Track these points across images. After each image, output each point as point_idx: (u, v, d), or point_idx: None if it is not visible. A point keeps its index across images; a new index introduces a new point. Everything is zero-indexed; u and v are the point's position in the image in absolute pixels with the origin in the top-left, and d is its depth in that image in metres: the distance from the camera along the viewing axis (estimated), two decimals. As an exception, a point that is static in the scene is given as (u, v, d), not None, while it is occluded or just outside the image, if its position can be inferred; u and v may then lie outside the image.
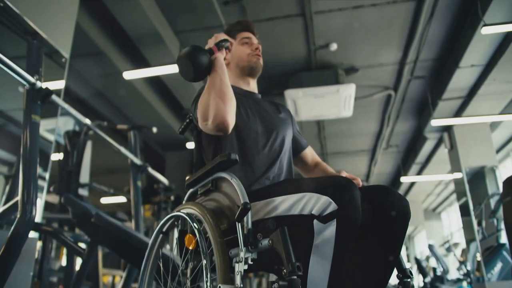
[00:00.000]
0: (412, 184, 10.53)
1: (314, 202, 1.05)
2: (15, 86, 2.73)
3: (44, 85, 1.98)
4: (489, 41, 4.54)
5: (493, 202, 5.83)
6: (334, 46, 5.02)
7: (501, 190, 2.50)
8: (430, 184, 10.34)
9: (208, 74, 1.38)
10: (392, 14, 4.53)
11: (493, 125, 6.88)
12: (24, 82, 1.92)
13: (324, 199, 1.03)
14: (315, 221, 1.04)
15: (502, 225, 5.06)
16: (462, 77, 5.27)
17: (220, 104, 1.28)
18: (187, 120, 1.56)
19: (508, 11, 4.05)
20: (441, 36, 4.93)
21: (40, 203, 2.94)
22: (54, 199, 3.72)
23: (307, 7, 4.35)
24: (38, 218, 2.19)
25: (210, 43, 1.46)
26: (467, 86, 5.58)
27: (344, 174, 1.36)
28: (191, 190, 1.43)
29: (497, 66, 4.79)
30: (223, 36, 1.50)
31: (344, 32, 4.83)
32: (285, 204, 1.12)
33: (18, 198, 1.79)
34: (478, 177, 6.57)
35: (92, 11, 4.35)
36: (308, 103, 5.43)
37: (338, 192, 1.03)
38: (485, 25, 3.83)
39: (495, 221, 5.44)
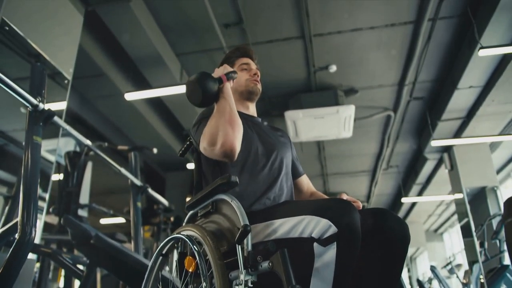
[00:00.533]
0: (413, 204, 10.47)
1: (314, 225, 1.05)
2: (17, 106, 2.75)
3: (46, 106, 1.99)
4: (487, 62, 4.59)
5: (495, 223, 5.79)
6: (333, 68, 5.08)
7: (502, 210, 2.49)
8: (431, 204, 10.28)
9: (214, 101, 1.40)
10: (391, 37, 4.60)
11: (493, 146, 6.89)
12: (27, 104, 1.93)
13: (324, 222, 1.03)
14: (315, 244, 1.04)
15: (505, 246, 5.01)
16: (461, 98, 5.31)
17: (229, 131, 1.28)
18: (188, 142, 1.57)
19: (504, 33, 4.11)
20: (439, 58, 5.00)
21: (39, 224, 2.93)
22: (53, 220, 3.70)
23: (307, 30, 4.42)
24: (37, 240, 2.18)
25: (218, 72, 1.47)
26: (466, 107, 5.62)
27: (344, 197, 1.36)
28: (191, 212, 1.43)
29: (495, 87, 4.84)
30: (230, 68, 1.50)
31: (343, 54, 4.90)
32: (285, 226, 1.12)
33: (18, 219, 1.78)
34: (479, 197, 6.55)
35: (95, 33, 4.42)
36: (308, 124, 5.46)
37: (337, 215, 1.04)
38: (482, 47, 3.88)
39: (497, 242, 5.39)
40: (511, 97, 5.11)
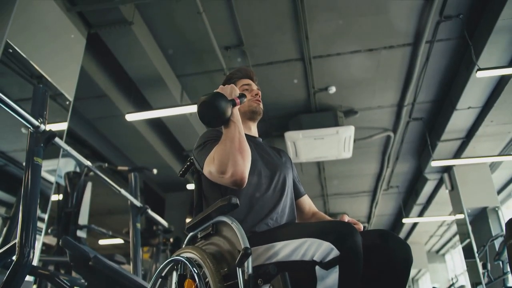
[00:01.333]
0: (414, 225, 10.40)
1: (316, 248, 1.04)
2: (18, 127, 2.77)
3: (47, 127, 2.00)
4: (485, 84, 4.64)
5: (497, 243, 5.73)
6: (333, 89, 5.12)
7: (504, 231, 2.47)
8: (432, 225, 10.21)
9: (224, 123, 1.37)
10: (389, 58, 4.66)
11: (493, 166, 6.89)
12: (28, 125, 1.94)
13: (326, 245, 1.02)
14: (317, 267, 1.03)
15: (508, 268, 4.95)
16: (460, 119, 5.34)
17: (240, 160, 1.25)
18: (188, 163, 1.57)
19: (502, 55, 4.17)
20: (438, 79, 5.05)
21: (37, 245, 2.90)
22: (52, 241, 3.67)
23: (306, 52, 4.48)
24: (35, 261, 2.16)
25: (226, 91, 1.43)
26: (465, 128, 5.64)
27: (346, 218, 1.35)
28: (191, 234, 1.42)
29: (494, 108, 4.87)
30: (238, 89, 1.49)
31: (343, 75, 4.95)
32: (287, 249, 1.11)
33: (17, 241, 1.77)
34: (480, 218, 6.51)
35: (96, 55, 4.48)
36: (308, 145, 5.47)
37: (340, 238, 1.03)
38: (480, 69, 3.93)
39: (500, 263, 5.32)
40: (510, 117, 5.14)
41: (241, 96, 1.45)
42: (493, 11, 3.78)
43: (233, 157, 1.25)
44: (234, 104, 1.39)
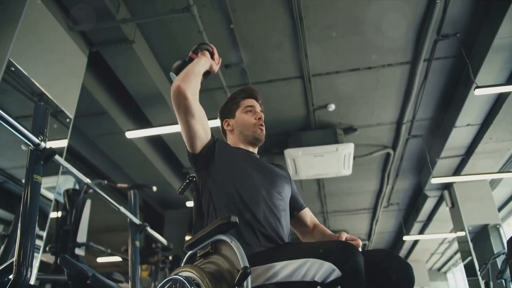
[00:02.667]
0: (415, 242, 10.31)
1: (317, 269, 1.03)
2: (18, 144, 2.78)
3: (47, 144, 2.01)
4: (483, 101, 4.67)
5: (499, 261, 5.68)
6: (332, 107, 5.15)
7: (506, 249, 2.45)
8: (433, 242, 10.13)
9: None
10: (388, 76, 4.70)
11: (493, 183, 6.88)
12: (29, 143, 1.95)
13: (327, 265, 1.02)
14: (318, 288, 1.02)
15: (511, 286, 4.89)
16: (459, 136, 5.36)
17: (177, 78, 1.41)
18: (187, 181, 1.57)
19: (499, 72, 4.21)
20: (436, 96, 5.08)
21: (35, 263, 2.88)
22: (50, 259, 3.64)
23: (305, 70, 4.52)
24: (32, 280, 2.13)
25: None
26: (465, 145, 5.65)
27: (344, 235, 1.35)
28: (190, 252, 1.41)
29: (492, 125, 4.89)
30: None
31: (342, 93, 4.98)
32: (287, 270, 1.10)
33: (14, 259, 1.75)
34: (482, 235, 6.46)
35: (97, 73, 4.51)
36: (308, 162, 5.47)
37: (341, 258, 1.02)
38: (478, 87, 3.96)
39: (503, 282, 5.26)
40: (508, 134, 5.16)
41: (199, 46, 1.62)
42: (489, 30, 3.83)
43: (177, 78, 1.42)
44: (191, 60, 1.57)
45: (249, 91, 1.74)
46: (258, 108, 1.70)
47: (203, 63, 1.53)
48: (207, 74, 1.63)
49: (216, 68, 1.65)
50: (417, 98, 5.01)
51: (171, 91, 1.40)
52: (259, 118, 1.66)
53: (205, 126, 1.47)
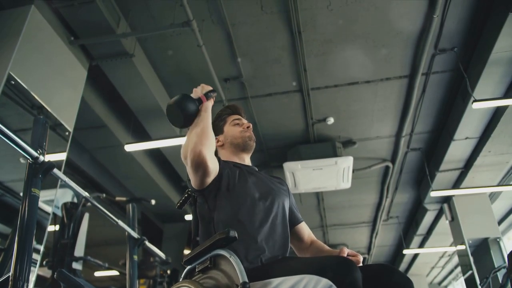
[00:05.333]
0: (415, 256, 10.24)
1: (314, 285, 1.02)
2: (16, 157, 2.77)
3: (46, 158, 2.00)
4: (481, 114, 4.68)
5: (500, 275, 5.63)
6: (331, 120, 5.17)
7: (507, 263, 2.44)
8: (433, 256, 10.05)
9: (192, 122, 1.46)
10: (386, 90, 4.73)
11: (493, 196, 6.86)
12: (27, 156, 1.94)
13: (324, 281, 1.01)
14: (315, 304, 1.01)
15: (512, 301, 4.84)
16: (458, 149, 5.36)
17: (196, 139, 1.35)
18: (186, 195, 1.57)
19: (496, 86, 4.24)
20: (435, 110, 5.11)
21: (32, 277, 2.85)
22: (46, 273, 3.60)
23: (304, 84, 4.54)
24: (28, 295, 2.11)
25: (197, 92, 1.53)
26: (464, 158, 5.65)
27: (345, 251, 1.34)
28: (188, 267, 1.40)
29: (491, 138, 4.90)
30: (209, 87, 1.58)
31: (340, 106, 5.00)
32: (284, 286, 1.09)
33: (10, 274, 1.73)
34: (482, 249, 6.42)
35: (97, 86, 4.53)
36: (307, 175, 5.47)
37: (339, 274, 1.01)
38: (475, 100, 3.98)
39: (504, 296, 5.21)
40: (507, 148, 5.16)
41: (209, 92, 1.53)
42: (486, 44, 3.87)
43: (191, 139, 1.36)
44: (200, 102, 1.47)
45: (233, 107, 1.78)
46: (244, 120, 1.74)
47: (210, 117, 1.50)
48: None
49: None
50: (415, 111, 5.03)
51: (188, 151, 1.35)
52: (247, 127, 1.70)
53: (216, 172, 1.46)
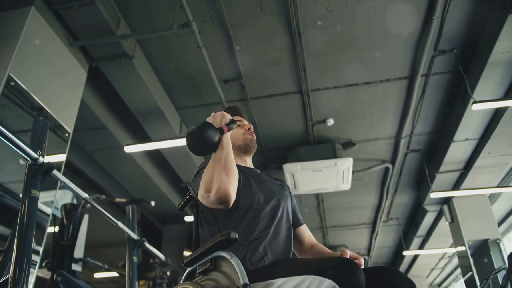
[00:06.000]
0: (415, 257, 10.24)
1: (317, 286, 1.02)
2: (16, 158, 2.77)
3: (46, 159, 2.00)
4: (481, 116, 4.68)
5: (500, 276, 5.63)
6: (330, 122, 5.17)
7: (507, 264, 2.44)
8: (433, 257, 10.05)
9: (213, 151, 1.43)
10: (386, 91, 4.73)
11: (493, 198, 6.86)
12: (27, 158, 1.94)
13: (327, 282, 1.00)
14: (318, 305, 1.01)
15: (512, 303, 4.84)
16: (458, 151, 5.36)
17: (224, 177, 1.31)
18: (187, 196, 1.57)
19: (496, 87, 4.23)
20: (434, 111, 5.11)
21: (31, 279, 2.84)
22: (46, 274, 3.60)
23: (304, 85, 4.54)
24: (28, 297, 2.10)
25: (217, 119, 1.51)
26: (463, 159, 5.65)
27: (347, 253, 1.34)
28: (189, 269, 1.40)
29: (490, 140, 4.90)
30: (229, 116, 1.55)
31: (340, 108, 5.00)
32: (287, 286, 1.08)
33: (10, 275, 1.73)
34: (482, 250, 6.42)
35: (96, 87, 4.53)
36: (307, 177, 5.46)
37: (341, 275, 1.01)
38: (475, 102, 3.98)
39: (504, 298, 5.20)
40: (507, 149, 5.16)
41: (231, 122, 1.50)
42: (486, 46, 3.87)
43: (218, 175, 1.31)
44: (222, 132, 1.44)
45: (235, 109, 1.78)
46: (246, 122, 1.74)
47: (231, 149, 1.46)
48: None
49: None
50: (415, 113, 5.03)
51: (214, 188, 1.29)
52: (249, 128, 1.70)
53: None
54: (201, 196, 1.36)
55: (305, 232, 1.67)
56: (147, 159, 5.86)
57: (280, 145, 5.70)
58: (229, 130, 1.48)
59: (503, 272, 5.55)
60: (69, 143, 3.50)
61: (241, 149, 1.67)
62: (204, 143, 1.39)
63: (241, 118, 1.74)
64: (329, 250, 1.56)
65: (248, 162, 1.70)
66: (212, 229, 1.44)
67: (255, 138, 1.70)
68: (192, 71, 4.41)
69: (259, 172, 1.68)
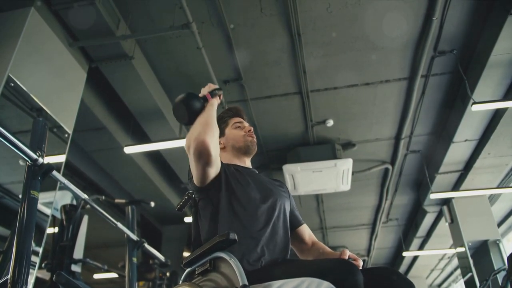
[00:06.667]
0: (414, 258, 10.24)
1: None
2: (16, 159, 2.77)
3: (45, 160, 2.00)
4: (480, 117, 4.68)
5: (500, 277, 5.62)
6: (330, 122, 5.17)
7: (507, 265, 2.43)
8: (433, 258, 10.05)
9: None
10: (386, 92, 4.73)
11: (492, 198, 6.86)
12: (26, 158, 1.94)
13: (326, 284, 1.00)
14: (316, 307, 1.00)
15: (512, 304, 4.83)
16: (457, 151, 5.36)
17: (201, 129, 1.38)
18: (186, 197, 1.57)
19: (496, 88, 4.24)
20: (434, 112, 5.11)
21: (31, 279, 2.84)
22: (45, 275, 3.59)
23: (304, 86, 4.54)
24: (27, 298, 2.10)
25: (204, 91, 1.59)
26: (463, 160, 5.65)
27: (347, 253, 1.33)
28: (188, 270, 1.40)
29: (490, 141, 4.90)
30: (215, 86, 1.61)
31: (340, 108, 5.00)
32: (285, 288, 1.09)
33: (9, 276, 1.73)
34: (481, 251, 6.42)
35: (96, 88, 4.52)
36: (306, 178, 5.46)
37: (340, 277, 1.01)
38: (475, 102, 3.98)
39: (504, 299, 5.20)
40: (507, 150, 5.17)
41: (214, 90, 1.58)
42: (485, 46, 3.87)
43: (195, 130, 1.38)
44: (206, 100, 1.53)
45: (235, 109, 1.79)
46: (246, 123, 1.75)
47: (215, 112, 1.53)
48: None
49: None
50: (415, 113, 5.03)
51: (192, 140, 1.37)
52: (249, 130, 1.70)
53: (218, 166, 1.47)
54: (188, 153, 1.41)
55: (305, 231, 1.67)
56: (146, 159, 5.86)
57: (280, 145, 5.70)
58: (213, 97, 1.55)
59: (503, 273, 5.55)
60: (69, 143, 3.50)
61: (240, 151, 1.67)
62: (188, 111, 1.47)
63: (241, 120, 1.74)
64: (329, 249, 1.56)
65: (247, 163, 1.70)
66: (211, 228, 1.44)
67: (255, 140, 1.70)
68: (192, 71, 4.41)
69: (257, 172, 1.69)
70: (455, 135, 4.95)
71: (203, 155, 1.36)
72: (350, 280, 1.01)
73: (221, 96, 1.65)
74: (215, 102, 1.56)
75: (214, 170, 1.44)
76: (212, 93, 1.57)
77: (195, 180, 1.45)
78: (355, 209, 7.84)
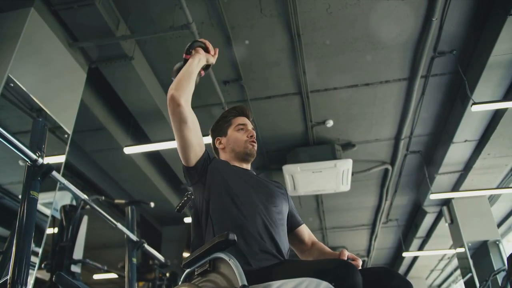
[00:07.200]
0: (414, 259, 10.24)
1: None
2: (15, 160, 2.77)
3: (45, 160, 2.00)
4: (480, 117, 4.69)
5: (500, 278, 5.62)
6: (330, 123, 5.17)
7: (506, 266, 2.43)
8: (433, 258, 10.05)
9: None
10: (385, 93, 4.73)
11: (492, 199, 6.86)
12: (26, 159, 1.94)
13: (325, 285, 1.00)
14: (315, 307, 1.00)
15: (512, 304, 4.83)
16: (457, 152, 5.36)
17: (172, 86, 1.43)
18: (185, 198, 1.57)
19: (495, 89, 4.24)
20: (434, 112, 5.11)
21: (30, 280, 2.84)
22: (45, 276, 3.59)
23: (304, 86, 4.54)
24: (27, 299, 2.10)
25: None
26: (463, 161, 5.65)
27: (345, 254, 1.33)
28: (188, 270, 1.40)
29: (490, 141, 4.90)
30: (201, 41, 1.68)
31: (340, 109, 5.00)
32: (284, 289, 1.09)
33: (8, 277, 1.72)
34: (481, 251, 6.42)
35: (96, 88, 4.52)
36: (306, 178, 5.46)
37: (339, 277, 1.01)
38: (475, 103, 3.98)
39: (504, 299, 5.19)
40: (506, 150, 5.17)
41: (191, 44, 1.66)
42: (485, 47, 3.87)
43: (169, 89, 1.44)
44: (185, 62, 1.60)
45: (240, 109, 1.76)
46: (249, 126, 1.72)
47: (196, 62, 1.56)
48: (207, 67, 1.69)
49: (213, 60, 1.69)
50: (414, 114, 5.03)
51: (167, 100, 1.44)
52: (251, 136, 1.68)
53: (198, 136, 1.49)
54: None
55: (305, 231, 1.67)
56: (146, 160, 5.86)
57: (280, 146, 5.70)
58: (190, 53, 1.62)
59: (503, 274, 5.54)
60: (69, 144, 3.50)
61: (239, 156, 1.66)
62: (173, 77, 1.55)
63: (245, 121, 1.72)
64: (329, 249, 1.56)
65: (245, 165, 1.69)
66: (208, 228, 1.44)
67: (255, 148, 1.68)
68: (192, 72, 4.40)
69: (254, 173, 1.68)
70: (455, 136, 4.95)
71: (173, 108, 1.40)
72: (349, 280, 1.01)
73: (208, 45, 1.70)
74: (194, 57, 1.59)
75: (192, 134, 1.45)
76: (188, 51, 1.63)
77: (181, 157, 1.49)
78: (355, 210, 7.83)
